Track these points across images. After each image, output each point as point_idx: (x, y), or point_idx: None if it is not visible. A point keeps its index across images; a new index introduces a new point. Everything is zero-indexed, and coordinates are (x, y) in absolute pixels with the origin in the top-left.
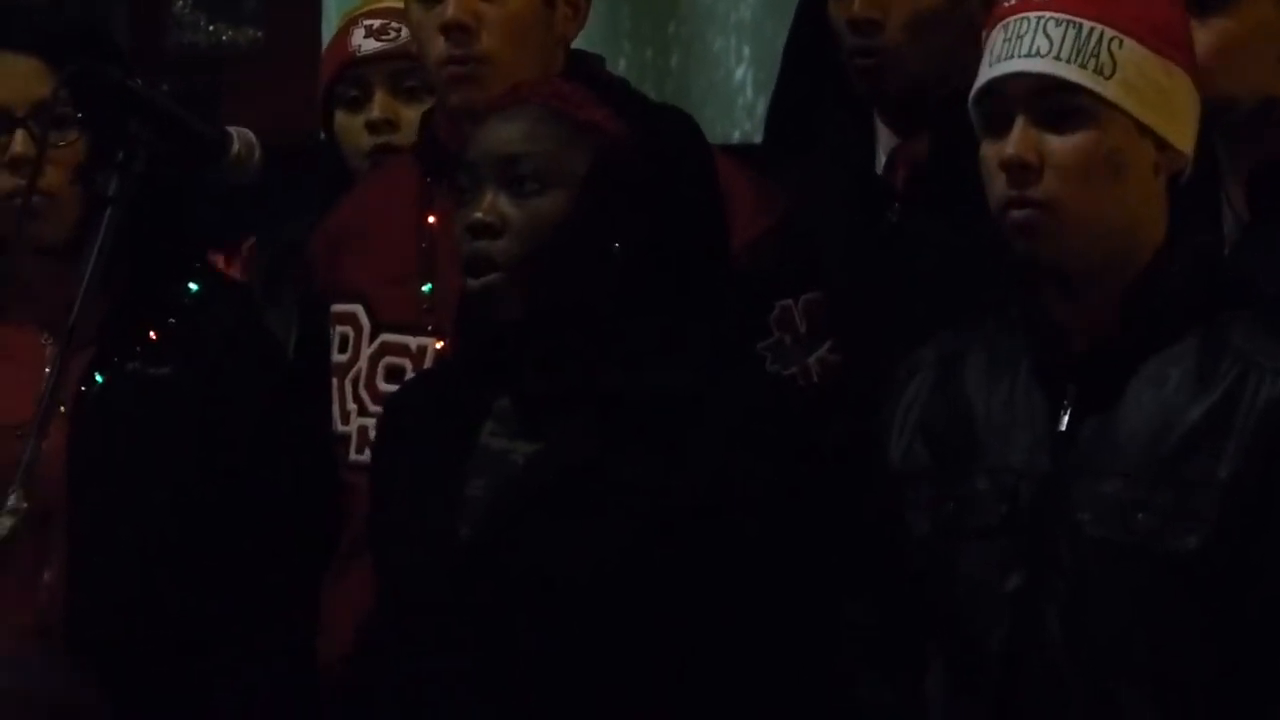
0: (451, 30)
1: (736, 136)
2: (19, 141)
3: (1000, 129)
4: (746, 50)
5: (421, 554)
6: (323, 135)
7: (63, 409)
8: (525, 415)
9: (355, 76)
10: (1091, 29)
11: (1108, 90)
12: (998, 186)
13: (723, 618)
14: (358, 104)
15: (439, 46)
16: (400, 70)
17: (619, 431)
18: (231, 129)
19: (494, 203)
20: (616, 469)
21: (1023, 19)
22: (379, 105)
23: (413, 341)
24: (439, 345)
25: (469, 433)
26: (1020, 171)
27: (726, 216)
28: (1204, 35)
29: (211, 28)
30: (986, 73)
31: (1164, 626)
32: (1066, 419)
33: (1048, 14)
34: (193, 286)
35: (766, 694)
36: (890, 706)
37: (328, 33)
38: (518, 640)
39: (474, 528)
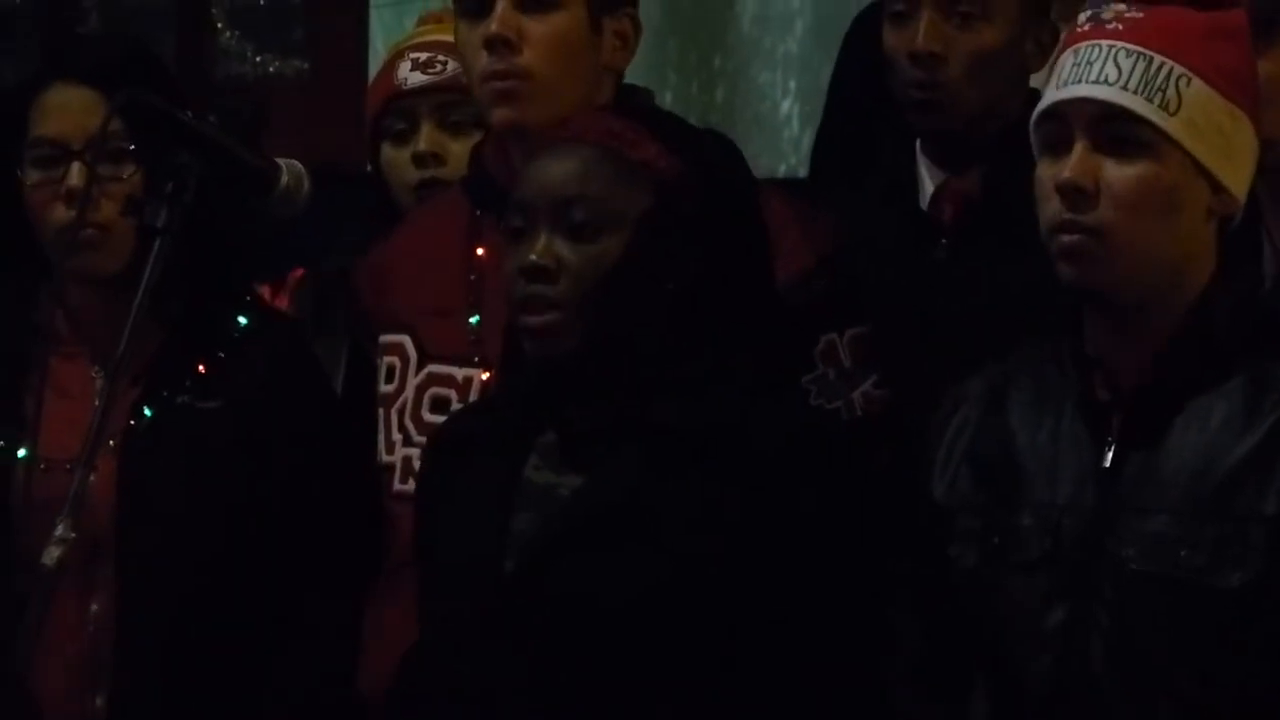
0: (494, 44)
1: (782, 170)
2: (75, 174)
3: (1059, 152)
4: (792, 83)
5: (467, 588)
6: (369, 167)
7: (112, 443)
8: (570, 449)
9: (401, 109)
10: (1161, 64)
11: (1170, 126)
12: (1050, 209)
13: (769, 648)
14: (404, 137)
15: (482, 61)
16: (447, 103)
17: (664, 465)
18: (281, 160)
19: (549, 246)
20: (661, 502)
21: (1094, 46)
22: (425, 139)
23: (459, 373)
24: (485, 376)
25: (513, 467)
26: (1075, 195)
27: (772, 248)
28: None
29: (258, 59)
30: (1052, 95)
31: (1208, 662)
32: (1111, 455)
33: (1120, 44)
34: (241, 320)
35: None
36: None
37: (373, 64)
38: (564, 674)
39: (519, 561)
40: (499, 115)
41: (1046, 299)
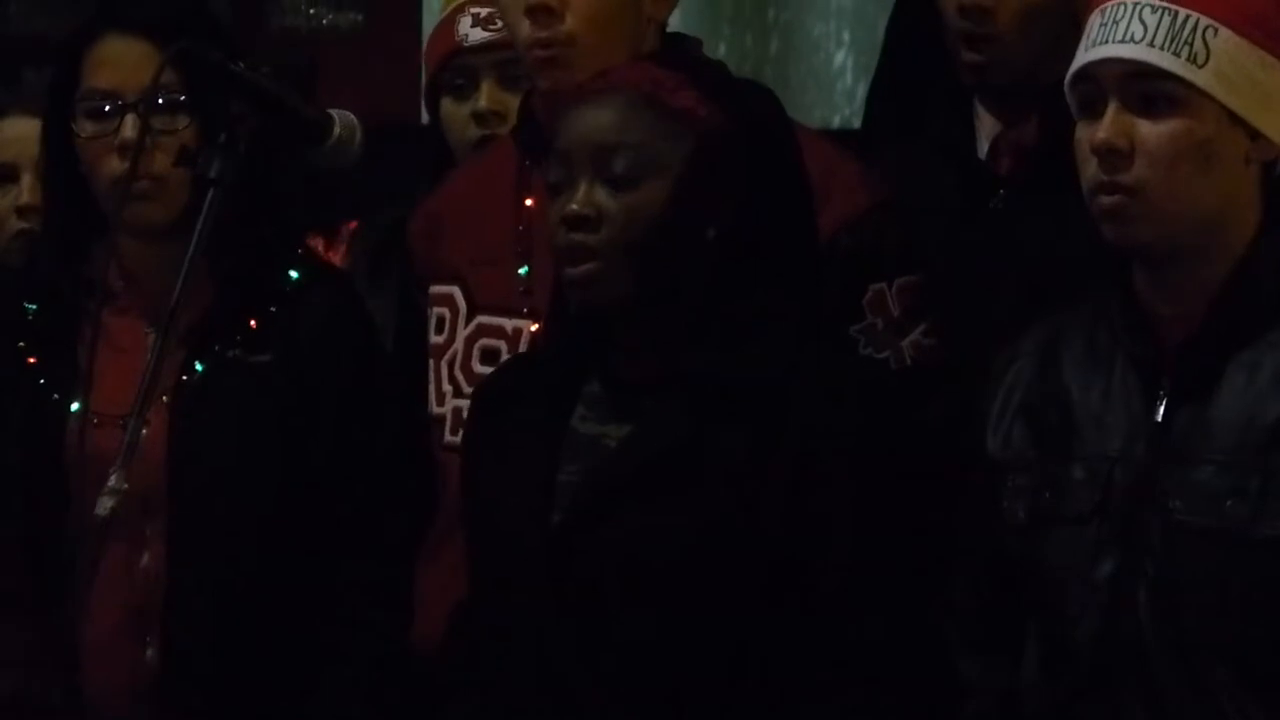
0: (536, 12)
1: (836, 122)
2: (129, 126)
3: (1094, 113)
4: (846, 35)
5: (514, 539)
6: (427, 120)
7: (164, 398)
8: (616, 399)
9: (462, 66)
10: (1187, 17)
11: (1199, 79)
12: (1089, 170)
13: (817, 597)
14: (464, 93)
15: (525, 29)
16: (507, 60)
17: (711, 414)
18: (333, 111)
19: (589, 195)
20: (709, 451)
21: (1120, 5)
22: (486, 96)
23: (508, 324)
24: (534, 328)
25: (559, 418)
26: (1111, 156)
27: (820, 196)
28: None
29: (312, 11)
30: (1082, 57)
31: (1255, 613)
32: (1163, 408)
33: (1144, 0)
34: (293, 274)
35: (861, 672)
36: (988, 688)
37: (428, 17)
38: (611, 624)
39: (566, 512)
40: (546, 83)
41: (1102, 251)
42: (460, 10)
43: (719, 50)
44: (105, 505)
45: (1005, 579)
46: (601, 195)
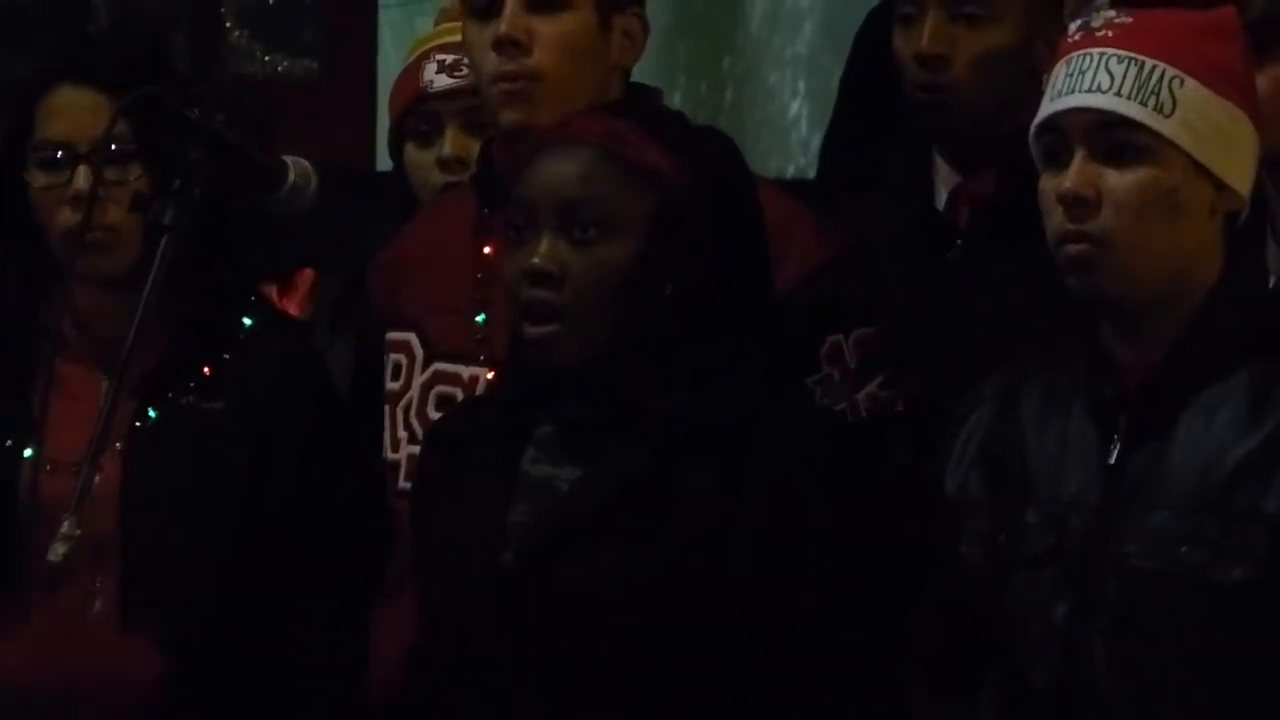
0: (504, 45)
1: (791, 171)
2: (81, 178)
3: (1060, 163)
4: (802, 85)
5: (465, 581)
6: (388, 166)
7: (118, 445)
8: (569, 442)
9: (426, 112)
10: (1154, 67)
11: (1166, 128)
12: (1054, 220)
13: (773, 642)
14: (428, 139)
15: (491, 62)
16: (473, 107)
17: (666, 455)
18: (288, 158)
19: (553, 249)
20: (662, 492)
21: (1085, 55)
22: (450, 143)
23: (465, 371)
24: (490, 375)
25: (510, 459)
26: (1077, 205)
27: (778, 248)
28: (1261, 82)
29: (268, 58)
30: (1048, 107)
31: (1209, 658)
32: (1117, 452)
33: (1111, 50)
34: (246, 321)
35: (839, 686)
36: None
37: (383, 65)
38: (565, 665)
39: (518, 553)
40: (509, 117)
41: (1060, 300)
42: (425, 56)
43: (674, 99)
44: (57, 551)
45: (966, 621)
46: (564, 250)
